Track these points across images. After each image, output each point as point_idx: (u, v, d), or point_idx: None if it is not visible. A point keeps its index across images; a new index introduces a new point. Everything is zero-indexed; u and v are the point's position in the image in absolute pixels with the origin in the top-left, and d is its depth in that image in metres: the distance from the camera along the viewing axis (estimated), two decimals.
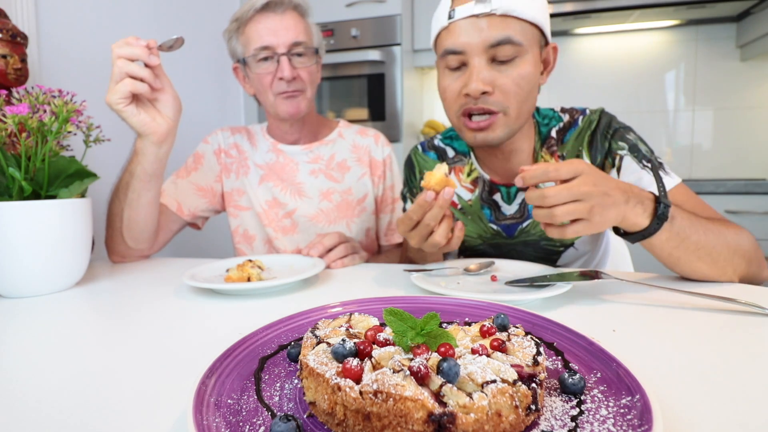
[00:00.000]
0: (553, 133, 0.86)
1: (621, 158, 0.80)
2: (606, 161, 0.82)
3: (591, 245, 0.93)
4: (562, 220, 0.59)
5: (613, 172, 0.81)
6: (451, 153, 0.96)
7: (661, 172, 0.78)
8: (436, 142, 0.99)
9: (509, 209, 0.89)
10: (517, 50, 0.72)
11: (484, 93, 0.73)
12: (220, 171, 1.14)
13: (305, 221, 1.11)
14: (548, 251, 0.91)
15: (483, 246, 0.95)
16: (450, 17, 0.73)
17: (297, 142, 1.14)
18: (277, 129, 1.14)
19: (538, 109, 0.89)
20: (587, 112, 0.85)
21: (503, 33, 0.70)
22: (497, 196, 0.89)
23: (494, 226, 0.91)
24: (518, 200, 0.88)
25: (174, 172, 1.14)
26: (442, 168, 0.67)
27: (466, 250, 0.98)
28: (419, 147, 1.01)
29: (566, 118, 0.86)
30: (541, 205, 0.60)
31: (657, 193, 0.66)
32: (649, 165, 0.78)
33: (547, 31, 0.76)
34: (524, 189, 0.85)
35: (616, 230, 0.66)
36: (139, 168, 0.86)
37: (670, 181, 0.77)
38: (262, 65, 1.01)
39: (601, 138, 0.82)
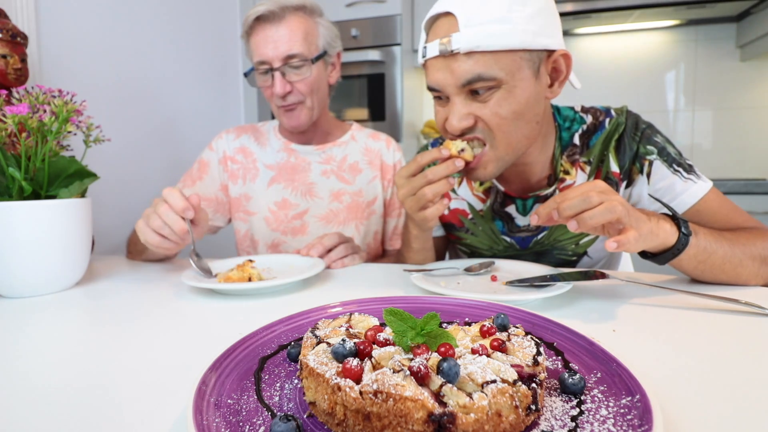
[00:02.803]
0: (576, 140, 0.81)
1: (651, 163, 0.77)
2: (633, 166, 0.79)
3: (604, 252, 0.90)
4: (602, 216, 0.56)
5: (642, 177, 0.78)
6: None
7: (692, 176, 0.75)
8: None
9: (524, 220, 0.86)
10: (492, 84, 0.66)
11: (466, 128, 0.70)
12: (227, 179, 1.13)
13: (315, 222, 1.11)
14: (561, 261, 0.89)
15: (493, 258, 0.92)
16: (423, 55, 0.71)
17: (310, 142, 1.14)
18: (288, 131, 1.13)
19: (558, 110, 0.84)
20: (612, 113, 0.81)
21: (472, 71, 0.65)
22: (511, 208, 0.87)
23: (507, 239, 0.89)
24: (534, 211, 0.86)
25: (181, 179, 1.14)
26: (461, 144, 0.70)
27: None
28: (430, 146, 0.99)
29: (589, 119, 0.82)
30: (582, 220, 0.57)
31: (676, 210, 0.65)
32: (681, 170, 0.75)
33: (546, 44, 0.67)
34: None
35: (643, 254, 0.65)
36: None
37: (703, 186, 0.75)
38: (261, 78, 1.01)
39: (629, 140, 0.79)
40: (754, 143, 2.28)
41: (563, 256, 0.88)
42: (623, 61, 2.40)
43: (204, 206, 1.11)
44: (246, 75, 1.03)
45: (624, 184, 0.80)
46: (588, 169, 0.81)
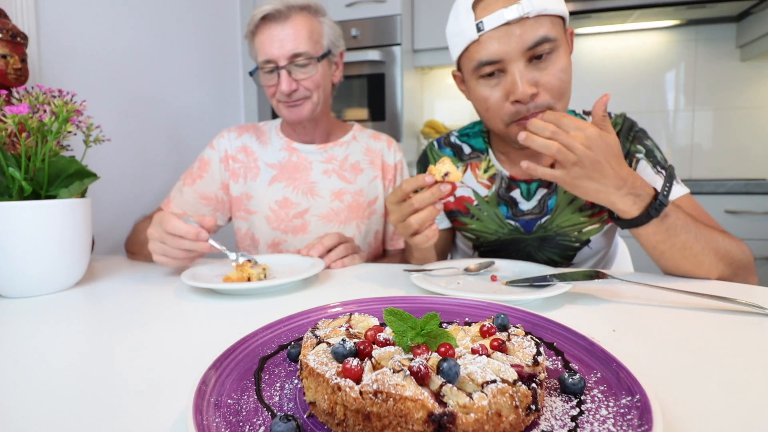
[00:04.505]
0: None
1: (637, 161, 0.83)
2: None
3: (604, 244, 0.94)
4: (540, 147, 0.66)
5: None
6: (467, 150, 0.97)
7: (673, 181, 0.79)
8: (453, 138, 0.99)
9: (527, 205, 0.90)
10: (553, 46, 0.73)
11: (532, 96, 0.74)
12: (228, 178, 1.13)
13: (316, 221, 1.11)
14: (564, 247, 0.92)
15: (498, 242, 0.95)
16: (479, 29, 0.73)
17: (312, 141, 1.14)
18: (291, 129, 1.14)
19: None
20: (612, 115, 0.88)
21: (539, 33, 0.71)
22: (516, 192, 0.90)
23: (512, 222, 0.92)
24: (538, 196, 0.89)
25: (182, 176, 1.14)
26: (445, 163, 0.67)
27: (481, 246, 0.98)
28: (435, 143, 1.01)
29: (589, 119, 0.88)
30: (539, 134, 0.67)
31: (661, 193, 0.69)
32: (663, 171, 0.81)
33: (567, 18, 0.77)
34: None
35: (611, 214, 0.72)
36: None
37: (680, 189, 0.80)
38: (266, 77, 1.02)
39: (622, 139, 0.85)
40: (754, 143, 2.28)
41: (566, 242, 0.91)
42: (623, 61, 2.40)
43: (204, 204, 1.12)
44: (251, 74, 1.04)
45: None
46: None
